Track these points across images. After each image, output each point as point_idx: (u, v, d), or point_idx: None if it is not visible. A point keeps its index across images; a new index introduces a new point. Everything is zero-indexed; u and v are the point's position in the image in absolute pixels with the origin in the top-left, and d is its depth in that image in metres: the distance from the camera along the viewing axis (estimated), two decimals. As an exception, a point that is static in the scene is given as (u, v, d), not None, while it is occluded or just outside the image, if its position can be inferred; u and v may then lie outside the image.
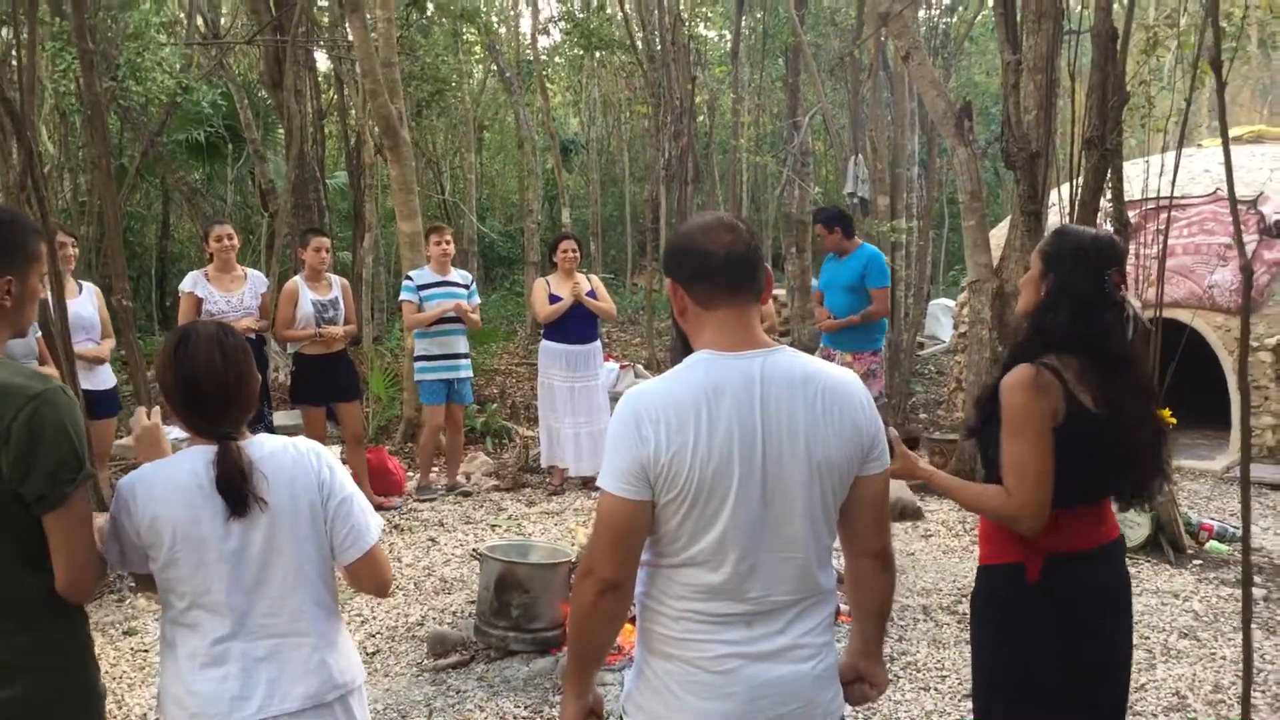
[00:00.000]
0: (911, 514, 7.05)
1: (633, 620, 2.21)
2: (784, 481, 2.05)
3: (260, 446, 2.32)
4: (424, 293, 7.53)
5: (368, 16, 9.23)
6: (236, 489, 2.23)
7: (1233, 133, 11.03)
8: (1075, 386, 2.58)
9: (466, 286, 7.73)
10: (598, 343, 7.97)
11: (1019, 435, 2.58)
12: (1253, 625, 4.97)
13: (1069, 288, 2.62)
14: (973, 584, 2.90)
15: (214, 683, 2.24)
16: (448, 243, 7.72)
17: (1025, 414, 2.57)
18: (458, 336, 7.63)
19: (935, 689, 4.43)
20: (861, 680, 2.31)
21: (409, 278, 7.73)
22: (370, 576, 2.43)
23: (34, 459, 2.07)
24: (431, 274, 7.65)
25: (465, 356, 7.73)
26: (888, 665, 4.59)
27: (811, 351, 8.21)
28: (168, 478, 2.26)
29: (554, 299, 7.68)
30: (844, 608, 5.31)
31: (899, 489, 7.11)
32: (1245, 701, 2.95)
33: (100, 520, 2.31)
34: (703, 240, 2.10)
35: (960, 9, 16.05)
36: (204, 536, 2.23)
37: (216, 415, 2.29)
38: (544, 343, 7.91)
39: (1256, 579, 5.74)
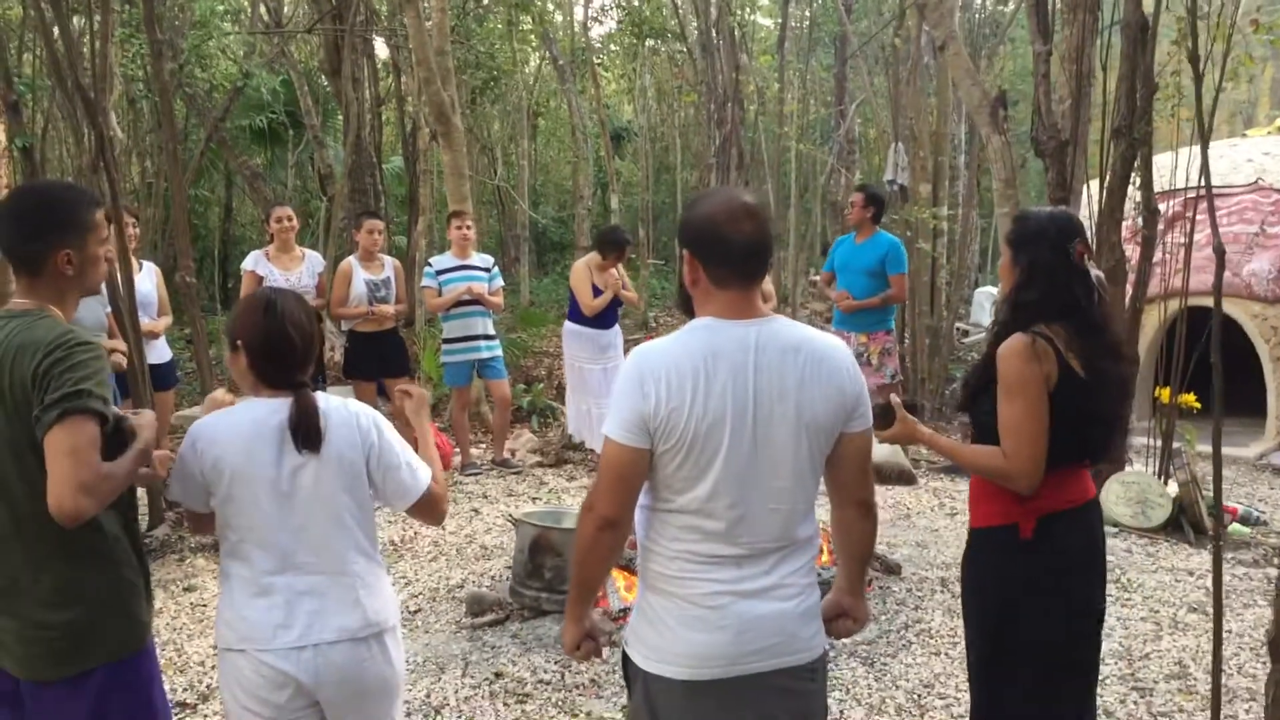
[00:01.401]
0: (906, 479, 7.39)
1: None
2: (773, 438, 2.27)
3: (320, 400, 2.60)
4: (443, 277, 7.74)
5: (423, 6, 9.52)
6: (314, 427, 2.51)
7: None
8: (1066, 353, 2.77)
9: (487, 270, 7.89)
10: (617, 326, 8.22)
11: (1016, 398, 2.76)
12: (1264, 602, 5.13)
13: (1038, 265, 2.83)
14: None
15: (261, 610, 2.51)
16: (468, 228, 7.92)
17: (1022, 378, 2.75)
18: (478, 319, 7.82)
19: (946, 654, 4.63)
20: (845, 615, 2.55)
21: (429, 264, 7.98)
22: (424, 516, 2.77)
23: (47, 388, 2.28)
24: (451, 259, 7.85)
25: (489, 337, 7.91)
26: (903, 632, 4.85)
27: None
28: (231, 423, 2.55)
29: (596, 292, 7.89)
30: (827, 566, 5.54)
31: (894, 454, 7.36)
32: (1215, 670, 3.14)
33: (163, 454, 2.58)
34: (726, 227, 2.27)
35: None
36: (257, 477, 2.50)
37: (297, 366, 2.58)
38: (569, 325, 8.09)
39: (1276, 560, 5.87)
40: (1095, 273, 2.84)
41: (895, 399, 3.04)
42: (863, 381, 2.40)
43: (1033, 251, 2.86)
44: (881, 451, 7.12)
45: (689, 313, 2.42)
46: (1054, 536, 2.83)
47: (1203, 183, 2.86)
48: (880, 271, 7.31)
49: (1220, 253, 2.76)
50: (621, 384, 2.28)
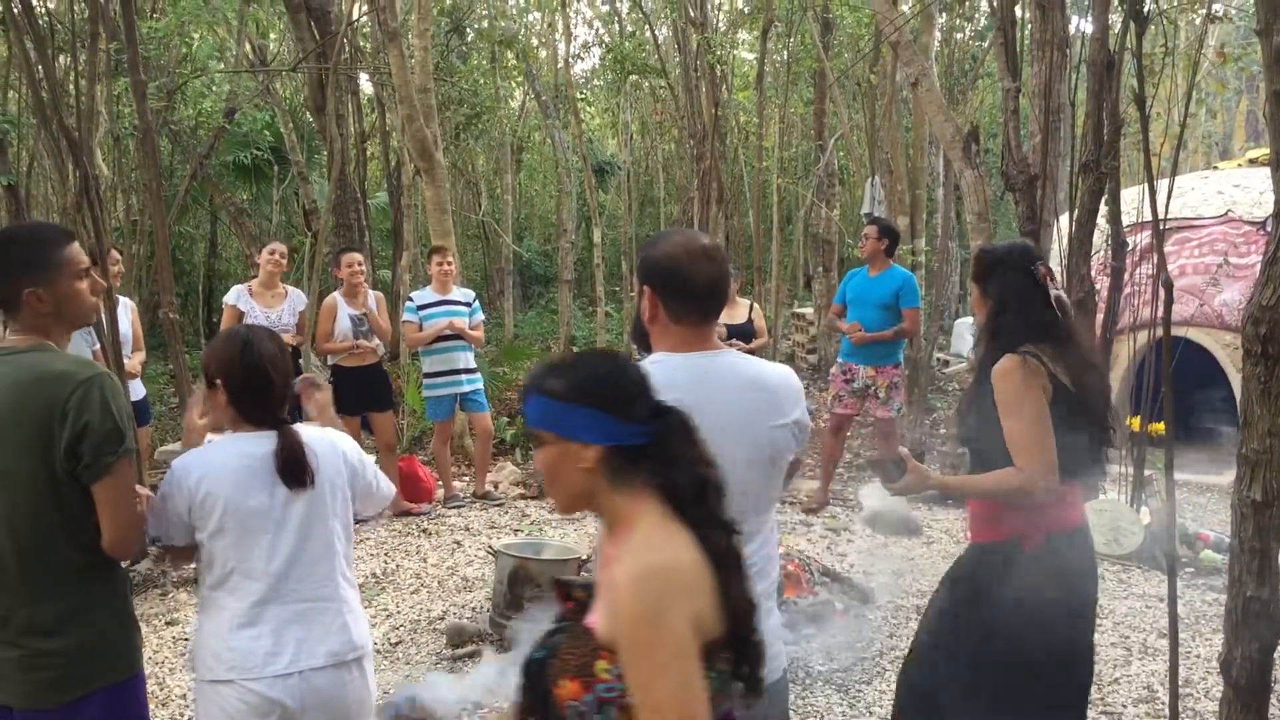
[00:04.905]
0: (913, 530, 7.13)
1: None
2: (730, 466, 2.36)
3: (303, 433, 2.68)
4: (424, 312, 7.75)
5: (406, 44, 9.66)
6: (303, 465, 2.59)
7: (1251, 155, 11.23)
8: (1054, 368, 2.89)
9: (468, 304, 7.91)
10: None
11: (1018, 412, 2.85)
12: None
13: (1008, 290, 2.97)
14: None
15: (249, 640, 2.56)
16: (449, 263, 7.96)
17: (1020, 392, 2.85)
18: (459, 353, 7.82)
19: (920, 681, 4.69)
20: None
21: (410, 299, 8.01)
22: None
23: (85, 433, 2.35)
24: (432, 294, 7.86)
25: (470, 371, 7.91)
26: (878, 659, 4.93)
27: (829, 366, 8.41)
28: (219, 458, 2.61)
29: None
30: (834, 600, 5.60)
31: (902, 505, 7.23)
32: (1173, 689, 3.22)
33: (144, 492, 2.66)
34: (689, 267, 2.35)
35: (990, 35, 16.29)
36: (250, 510, 2.56)
37: (278, 402, 2.65)
38: None
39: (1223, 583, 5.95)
40: (1054, 291, 2.96)
41: (904, 450, 3.10)
42: (808, 414, 2.50)
43: (1001, 279, 3.00)
44: (893, 502, 6.87)
45: (645, 347, 2.50)
46: (1061, 551, 2.95)
47: (1163, 215, 2.95)
48: (894, 305, 7.42)
49: (1168, 286, 2.86)
50: None
